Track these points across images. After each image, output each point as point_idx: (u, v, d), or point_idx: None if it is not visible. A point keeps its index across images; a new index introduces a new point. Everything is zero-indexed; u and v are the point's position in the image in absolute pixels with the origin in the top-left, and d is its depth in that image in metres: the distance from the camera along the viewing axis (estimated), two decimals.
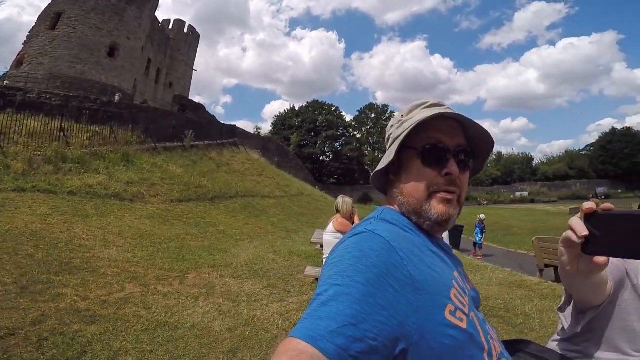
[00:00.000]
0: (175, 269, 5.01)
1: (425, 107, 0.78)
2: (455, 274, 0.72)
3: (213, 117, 32.48)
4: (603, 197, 41.19)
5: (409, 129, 0.72)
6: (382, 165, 0.77)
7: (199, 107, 30.81)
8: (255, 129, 51.00)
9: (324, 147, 58.15)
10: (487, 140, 0.77)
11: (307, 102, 63.24)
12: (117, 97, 18.66)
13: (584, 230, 0.60)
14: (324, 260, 3.85)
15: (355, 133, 63.36)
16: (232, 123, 31.41)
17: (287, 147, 47.56)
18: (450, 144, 0.73)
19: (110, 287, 3.89)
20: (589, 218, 0.61)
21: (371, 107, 65.03)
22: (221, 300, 3.91)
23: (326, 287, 0.58)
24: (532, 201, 49.96)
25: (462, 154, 0.74)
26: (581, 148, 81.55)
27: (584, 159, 71.90)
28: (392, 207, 0.79)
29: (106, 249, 5.35)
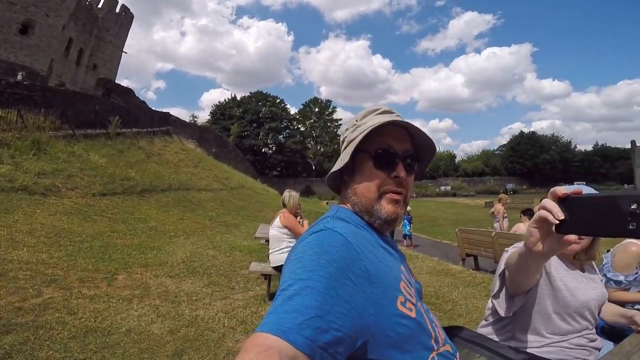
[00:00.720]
0: (101, 269, 4.56)
1: (378, 114, 0.84)
2: (402, 267, 0.79)
3: (143, 102, 29.86)
4: (512, 193, 47.39)
5: (364, 134, 0.77)
6: (337, 167, 0.82)
7: (127, 92, 28.07)
8: (192, 118, 47.98)
9: (267, 139, 57.27)
10: (430, 147, 0.85)
11: (251, 93, 61.88)
12: (19, 76, 16.12)
13: (560, 214, 0.68)
14: (270, 256, 3.85)
15: (300, 126, 63.76)
16: (166, 110, 29.16)
17: (227, 137, 45.74)
18: (399, 149, 0.79)
19: (24, 292, 3.42)
20: (563, 201, 0.69)
21: (315, 101, 65.89)
22: (158, 302, 3.69)
23: (290, 281, 0.60)
24: (454, 195, 55.96)
25: (409, 159, 0.81)
26: (495, 148, 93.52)
27: (497, 158, 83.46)
28: (345, 206, 0.84)
29: (14, 249, 4.64)
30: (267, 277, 3.98)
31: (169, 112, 27.87)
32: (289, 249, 4.11)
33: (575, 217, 0.66)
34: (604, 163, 76.79)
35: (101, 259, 5.05)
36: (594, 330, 1.33)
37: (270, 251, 3.89)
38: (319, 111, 64.89)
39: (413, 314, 0.71)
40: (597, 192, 0.84)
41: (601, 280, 1.43)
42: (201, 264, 5.47)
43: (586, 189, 1.30)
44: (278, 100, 60.54)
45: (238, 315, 3.43)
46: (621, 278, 1.86)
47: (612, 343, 1.41)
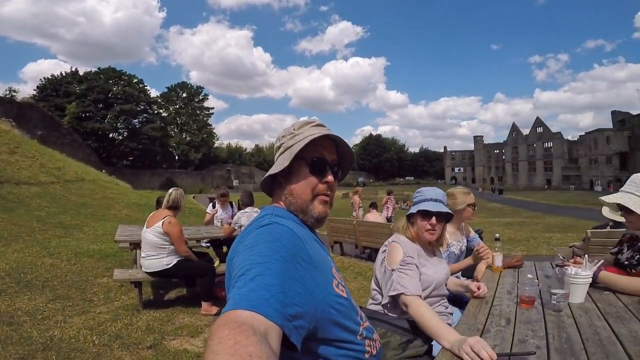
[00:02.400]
0: None
1: (313, 126, 0.96)
2: (329, 257, 0.96)
3: None
4: (362, 185, 55.68)
5: (304, 142, 0.88)
6: (276, 170, 0.92)
7: None
8: (7, 92, 36.30)
9: (117, 123, 48.56)
10: (351, 157, 1.00)
11: (99, 68, 50.97)
12: None
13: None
14: (143, 260, 3.38)
15: (161, 111, 56.21)
16: None
17: (60, 118, 36.57)
18: (329, 158, 0.93)
19: None
20: None
21: (184, 85, 59.39)
22: None
23: (248, 266, 0.66)
24: None
25: (336, 167, 0.95)
26: (351, 147, 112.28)
27: None
28: (279, 205, 0.94)
29: None
30: (137, 284, 3.48)
31: None
32: (172, 256, 3.71)
33: None
34: (426, 163, 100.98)
35: None
36: (446, 300, 1.79)
37: (143, 255, 3.43)
38: (188, 97, 58.65)
39: (345, 295, 0.87)
40: None
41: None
42: (37, 276, 4.34)
43: (427, 192, 1.73)
44: (135, 80, 51.78)
45: (109, 330, 2.92)
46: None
47: (457, 308, 1.86)
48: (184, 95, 58.62)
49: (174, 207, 3.49)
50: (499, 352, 0.98)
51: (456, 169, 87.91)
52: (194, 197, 26.13)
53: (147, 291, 3.98)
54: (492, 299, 1.62)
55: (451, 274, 2.15)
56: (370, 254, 7.03)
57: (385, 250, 1.68)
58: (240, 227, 3.94)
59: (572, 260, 1.81)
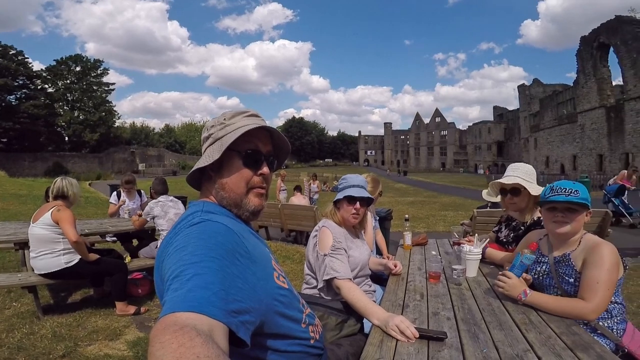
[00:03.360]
0: None
1: (246, 116, 0.91)
2: (267, 249, 0.94)
3: None
4: (285, 167, 55.61)
5: (237, 134, 0.83)
6: (204, 162, 0.87)
7: None
8: None
9: None
10: (286, 148, 0.97)
11: None
12: None
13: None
14: (34, 261, 2.89)
15: (47, 86, 46.18)
16: None
17: None
18: (264, 150, 0.90)
19: None
20: None
21: (78, 58, 48.95)
22: None
23: (182, 267, 0.63)
24: None
25: (271, 158, 0.92)
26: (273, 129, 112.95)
27: None
28: (209, 200, 0.90)
29: None
30: (31, 289, 2.98)
31: None
32: (72, 253, 3.28)
33: None
34: (343, 146, 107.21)
35: None
36: (369, 279, 1.96)
37: (34, 255, 2.93)
38: (82, 71, 48.76)
39: (286, 285, 0.89)
40: None
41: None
42: None
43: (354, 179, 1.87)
44: (13, 52, 41.18)
45: (7, 342, 2.49)
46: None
47: (378, 286, 2.05)
48: (78, 69, 48.63)
49: (62, 197, 3.03)
50: (418, 326, 1.15)
51: (369, 152, 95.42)
52: (90, 185, 22.75)
53: (45, 295, 3.44)
54: (406, 275, 1.87)
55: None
56: (296, 237, 7.16)
57: (316, 236, 1.76)
58: (154, 218, 3.59)
59: (465, 239, 2.15)
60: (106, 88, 50.62)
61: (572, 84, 31.15)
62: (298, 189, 8.80)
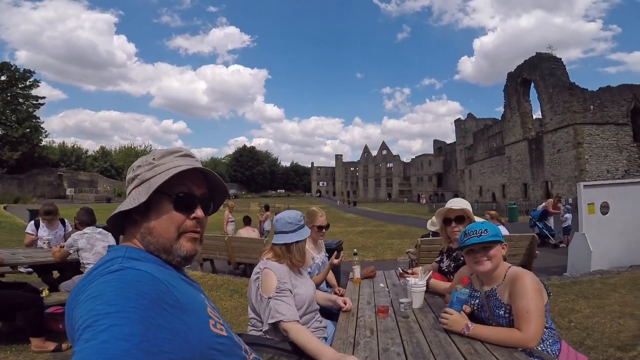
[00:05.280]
0: None
1: (179, 156, 0.86)
2: (202, 296, 0.88)
3: None
4: (234, 197, 54.05)
5: (168, 176, 0.78)
6: (129, 205, 0.80)
7: None
8: None
9: None
10: (223, 190, 0.93)
11: None
12: None
13: None
14: None
15: None
16: None
17: None
18: (198, 193, 0.85)
19: None
20: None
21: (4, 66, 43.52)
22: None
23: (94, 317, 0.56)
24: None
25: (206, 201, 0.87)
26: (222, 157, 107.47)
27: (223, 165, 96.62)
28: (133, 245, 0.82)
29: None
30: None
31: None
32: None
33: None
34: (296, 176, 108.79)
35: None
36: (319, 314, 1.92)
37: None
38: (8, 81, 43.31)
39: (224, 333, 0.82)
40: None
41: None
42: None
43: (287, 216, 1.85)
44: None
45: None
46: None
47: (329, 321, 2.01)
48: (3, 78, 43.48)
49: None
50: None
51: (321, 183, 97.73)
52: (5, 208, 19.89)
53: None
54: (356, 311, 1.88)
55: (319, 284, 2.38)
56: (245, 270, 6.86)
57: (257, 278, 1.69)
58: (78, 251, 3.23)
59: (410, 271, 2.23)
60: (34, 102, 45.27)
61: (500, 118, 34.41)
62: (247, 220, 8.54)
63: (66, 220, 4.68)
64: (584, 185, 5.72)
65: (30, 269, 4.06)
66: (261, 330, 1.63)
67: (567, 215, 9.39)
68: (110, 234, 3.45)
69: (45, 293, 3.20)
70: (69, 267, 3.93)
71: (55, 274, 4.13)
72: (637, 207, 5.65)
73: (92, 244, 3.26)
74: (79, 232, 3.36)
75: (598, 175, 22.81)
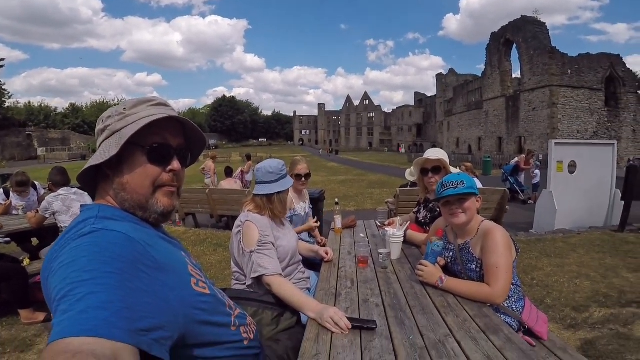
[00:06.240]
0: None
1: (152, 105, 0.80)
2: (182, 253, 0.87)
3: None
4: (214, 148, 53.06)
5: (141, 125, 0.73)
6: (99, 159, 0.74)
7: None
8: None
9: None
10: (202, 140, 0.88)
11: None
12: None
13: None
14: None
15: None
16: None
17: None
18: (174, 143, 0.80)
19: None
20: None
21: None
22: None
23: (70, 286, 0.54)
24: None
25: (183, 152, 0.83)
26: (201, 107, 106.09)
27: (202, 115, 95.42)
28: (107, 203, 0.78)
29: None
30: None
31: None
32: None
33: None
34: (278, 125, 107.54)
35: None
36: (302, 265, 1.94)
37: None
38: None
39: (207, 291, 0.82)
40: None
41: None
42: None
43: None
44: None
45: None
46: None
47: (312, 271, 2.06)
48: None
49: None
50: (350, 316, 1.21)
51: (303, 132, 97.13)
52: None
53: None
54: (338, 261, 1.95)
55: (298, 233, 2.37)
56: (228, 222, 6.83)
57: (239, 232, 1.67)
58: (54, 214, 3.10)
59: (387, 222, 2.30)
60: None
61: (480, 75, 35.28)
62: (229, 171, 8.36)
63: (37, 183, 4.47)
64: (555, 143, 5.81)
65: (7, 239, 3.95)
66: (244, 284, 1.66)
67: (537, 171, 9.61)
68: (86, 193, 3.31)
69: (26, 262, 3.10)
70: (48, 232, 3.78)
71: (35, 241, 4.02)
72: (602, 169, 5.81)
73: (68, 206, 3.12)
74: (53, 194, 3.20)
75: (569, 135, 24.21)
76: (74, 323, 0.48)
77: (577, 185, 5.73)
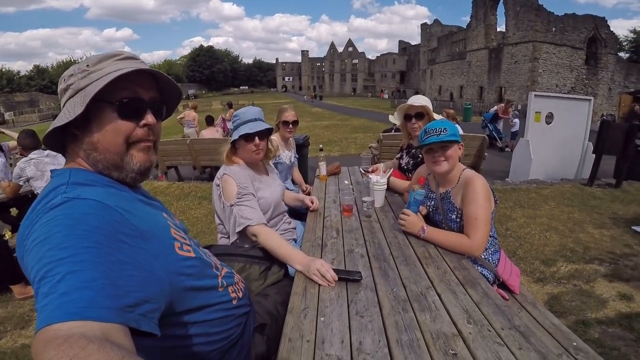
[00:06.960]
0: None
1: (119, 59, 0.74)
2: (164, 214, 0.83)
3: None
4: (194, 97, 51.24)
5: (107, 81, 0.68)
6: (63, 120, 0.69)
7: None
8: None
9: None
10: (176, 92, 0.84)
11: None
12: None
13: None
14: None
15: None
16: None
17: None
18: (147, 96, 0.76)
19: None
20: None
21: None
22: None
23: (48, 267, 0.51)
24: None
25: (157, 105, 0.78)
26: (177, 58, 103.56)
27: (179, 67, 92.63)
28: (78, 166, 0.74)
29: None
30: None
31: None
32: None
33: None
34: (260, 72, 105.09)
35: None
36: (287, 216, 1.92)
37: None
38: None
39: (192, 254, 0.80)
40: None
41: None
42: None
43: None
44: None
45: None
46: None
47: (298, 221, 2.05)
48: None
49: None
50: (336, 268, 1.23)
51: (286, 79, 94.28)
52: None
53: None
54: (323, 210, 1.94)
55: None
56: (212, 173, 6.68)
57: (218, 186, 1.63)
58: (28, 180, 2.92)
59: (371, 169, 2.30)
60: None
61: (465, 27, 35.30)
62: (209, 120, 7.95)
63: (4, 148, 4.07)
64: (535, 95, 5.86)
65: None
66: (227, 238, 1.63)
67: (516, 120, 9.80)
68: (60, 154, 3.08)
69: (8, 235, 2.93)
70: (27, 201, 3.55)
71: (14, 210, 3.81)
72: (578, 122, 5.94)
73: (42, 170, 2.92)
74: (24, 159, 2.99)
75: (547, 88, 24.97)
76: (58, 307, 0.46)
77: (553, 136, 5.89)
